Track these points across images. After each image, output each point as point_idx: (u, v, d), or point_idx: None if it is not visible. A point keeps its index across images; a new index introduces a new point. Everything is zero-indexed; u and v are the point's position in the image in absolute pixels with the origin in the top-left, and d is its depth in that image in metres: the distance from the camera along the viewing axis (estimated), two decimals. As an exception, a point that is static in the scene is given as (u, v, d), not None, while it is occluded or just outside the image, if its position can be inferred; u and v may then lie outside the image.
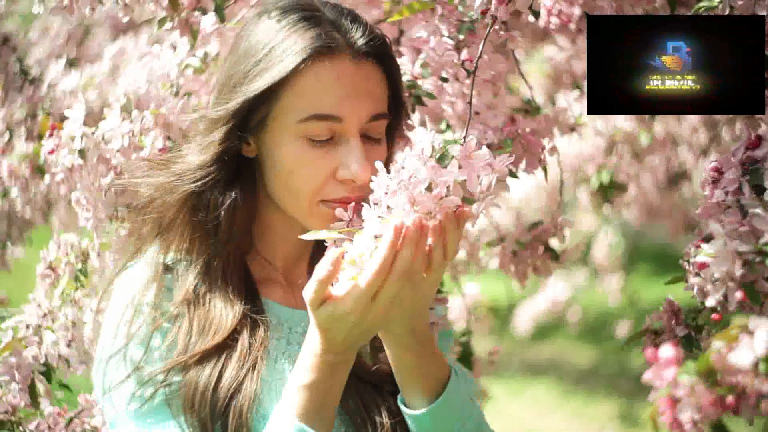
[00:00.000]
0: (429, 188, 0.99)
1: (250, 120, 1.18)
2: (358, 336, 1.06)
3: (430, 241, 1.03)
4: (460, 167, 1.00)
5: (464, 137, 1.19)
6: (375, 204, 1.04)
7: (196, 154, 1.20)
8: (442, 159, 1.01)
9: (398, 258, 1.01)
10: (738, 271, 0.95)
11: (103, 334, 1.23)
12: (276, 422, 1.09)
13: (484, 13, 1.18)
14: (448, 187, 1.00)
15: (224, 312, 1.20)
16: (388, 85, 1.22)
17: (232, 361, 1.16)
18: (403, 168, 1.01)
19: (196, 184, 1.19)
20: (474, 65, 1.23)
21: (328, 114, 1.15)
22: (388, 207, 1.02)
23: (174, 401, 1.15)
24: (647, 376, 0.83)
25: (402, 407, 1.18)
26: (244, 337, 1.19)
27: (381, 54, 1.20)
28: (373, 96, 1.18)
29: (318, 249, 1.31)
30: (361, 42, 1.17)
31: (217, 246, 1.21)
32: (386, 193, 1.02)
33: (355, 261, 1.03)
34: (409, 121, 1.25)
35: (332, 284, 1.04)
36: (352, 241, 1.05)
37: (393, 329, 1.12)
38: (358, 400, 1.20)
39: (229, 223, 1.21)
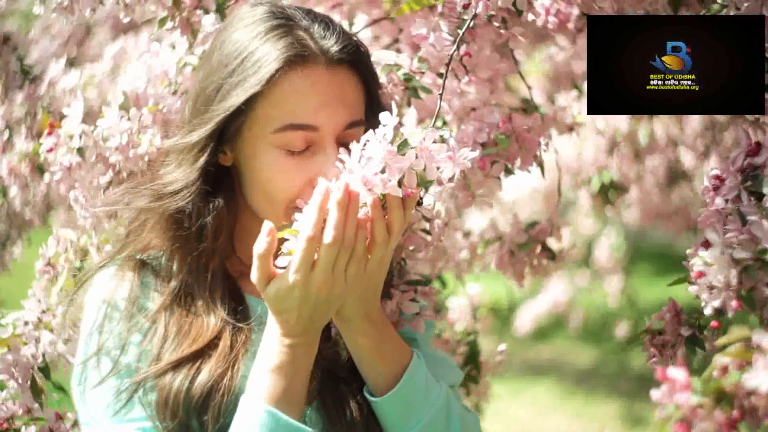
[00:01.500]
0: (384, 171, 1.02)
1: (226, 132, 1.17)
2: (310, 315, 1.07)
3: (363, 213, 1.04)
4: (417, 156, 1.02)
5: (431, 125, 1.20)
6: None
7: (178, 175, 1.19)
8: (403, 146, 1.02)
9: (328, 222, 1.02)
10: (734, 280, 0.95)
11: (81, 334, 1.23)
12: (245, 408, 1.10)
13: (465, 7, 1.19)
14: (404, 175, 1.02)
15: (206, 320, 1.19)
16: (365, 91, 1.21)
17: (211, 361, 1.16)
18: (363, 149, 1.03)
19: (181, 202, 1.18)
20: (449, 57, 1.23)
21: (304, 124, 1.14)
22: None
23: (150, 401, 1.15)
24: (656, 396, 0.83)
25: (368, 397, 1.18)
26: (226, 340, 1.18)
27: (356, 60, 1.19)
28: (348, 103, 1.17)
29: None
30: (334, 49, 1.16)
31: (200, 254, 1.21)
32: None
33: (296, 232, 1.05)
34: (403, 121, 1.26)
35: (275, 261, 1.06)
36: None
37: (345, 314, 1.13)
38: (335, 396, 1.21)
39: (214, 231, 1.20)
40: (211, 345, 1.18)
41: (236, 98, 1.14)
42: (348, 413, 1.20)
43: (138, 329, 1.18)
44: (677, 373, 0.82)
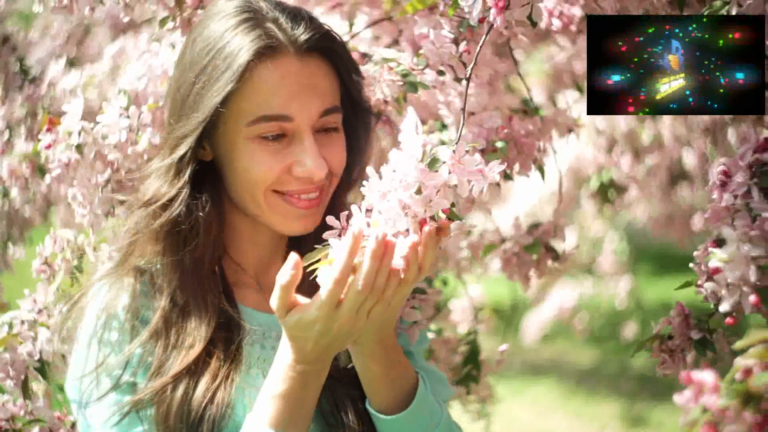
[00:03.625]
0: (419, 191, 0.99)
1: (203, 130, 1.17)
2: (327, 345, 1.06)
3: (400, 257, 1.01)
4: (450, 171, 0.99)
5: (456, 141, 1.18)
6: (368, 210, 1.03)
7: (165, 188, 1.19)
8: (433, 163, 1.00)
9: (359, 271, 1.00)
10: (753, 276, 0.94)
11: (79, 343, 1.22)
12: (250, 430, 1.09)
13: (482, 21, 1.16)
14: (437, 191, 0.99)
15: (200, 332, 1.19)
16: (338, 78, 1.21)
17: (206, 374, 1.16)
18: (394, 171, 1.00)
19: (174, 213, 1.18)
20: (468, 72, 1.22)
21: (277, 114, 1.15)
22: (379, 211, 1.01)
23: (149, 416, 1.15)
24: (680, 400, 0.81)
25: (371, 411, 1.18)
26: (219, 349, 1.18)
27: (326, 48, 1.19)
28: (321, 92, 1.18)
29: (291, 251, 1.31)
30: (303, 38, 1.16)
31: (194, 250, 1.20)
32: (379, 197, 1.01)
33: (328, 262, 1.03)
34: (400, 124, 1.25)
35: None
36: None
37: (360, 340, 1.12)
38: (332, 400, 1.21)
39: (204, 229, 1.20)
40: (206, 358, 1.17)
41: (212, 99, 1.14)
42: (345, 419, 1.20)
43: (139, 343, 1.17)
44: (705, 375, 0.80)
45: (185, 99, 1.17)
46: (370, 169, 1.04)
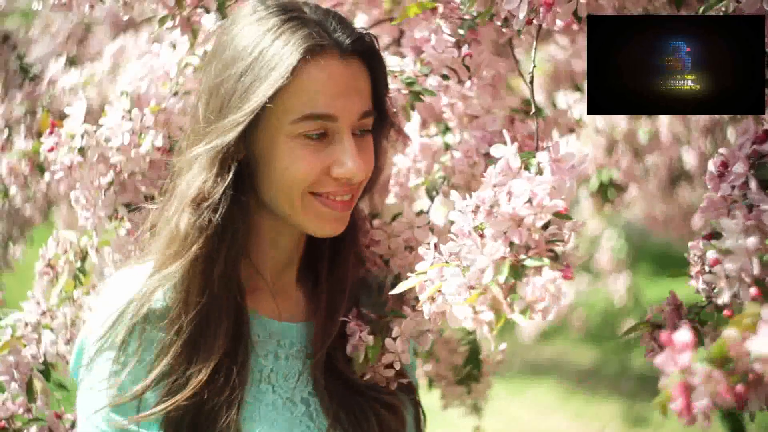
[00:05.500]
0: (530, 201, 0.97)
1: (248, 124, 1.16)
2: None
3: None
4: (553, 172, 0.97)
5: (537, 142, 1.16)
6: (457, 235, 1.01)
7: (209, 180, 1.17)
8: (528, 168, 0.99)
9: None
10: (756, 269, 0.94)
11: (95, 352, 1.19)
12: None
13: (529, 22, 1.14)
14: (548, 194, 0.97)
15: (217, 338, 1.17)
16: (372, 82, 1.23)
17: (217, 386, 1.15)
18: (494, 186, 0.99)
19: (222, 211, 1.17)
20: (531, 74, 1.19)
21: (323, 113, 1.16)
22: (481, 231, 0.98)
23: (159, 425, 1.15)
24: (659, 359, 0.80)
25: None
26: (232, 361, 1.17)
27: (367, 51, 1.21)
28: (361, 94, 1.20)
29: (306, 256, 1.31)
30: (348, 40, 1.18)
31: (226, 257, 1.18)
32: (476, 211, 0.99)
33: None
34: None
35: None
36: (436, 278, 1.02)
37: None
38: (349, 409, 1.21)
39: (242, 231, 1.19)
40: (220, 370, 1.17)
41: (262, 94, 1.14)
42: (364, 427, 1.21)
43: (158, 367, 1.16)
44: (682, 334, 0.79)
45: (231, 94, 1.16)
46: (453, 193, 1.03)
